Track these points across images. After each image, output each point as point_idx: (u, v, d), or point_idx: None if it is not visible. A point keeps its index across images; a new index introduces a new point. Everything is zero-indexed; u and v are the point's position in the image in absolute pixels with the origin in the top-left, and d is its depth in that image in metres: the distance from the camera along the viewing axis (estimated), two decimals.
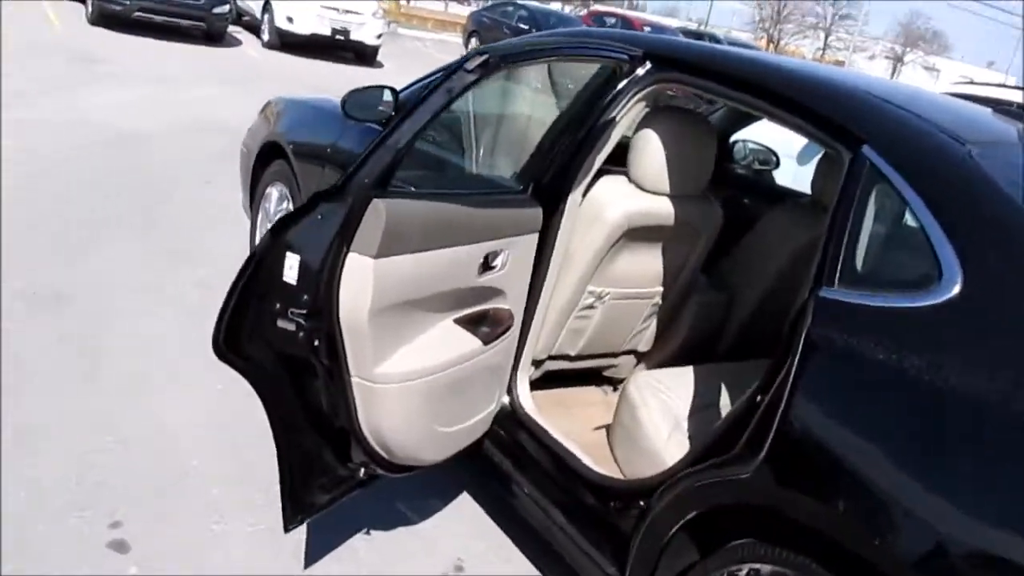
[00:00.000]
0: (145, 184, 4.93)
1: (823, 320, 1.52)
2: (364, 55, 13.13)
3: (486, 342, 1.99)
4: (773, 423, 1.51)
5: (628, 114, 2.17)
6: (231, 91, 8.33)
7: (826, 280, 1.55)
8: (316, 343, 1.65)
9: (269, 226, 1.70)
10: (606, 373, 2.87)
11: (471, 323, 1.97)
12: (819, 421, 1.51)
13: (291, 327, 1.63)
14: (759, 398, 1.57)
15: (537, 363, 2.54)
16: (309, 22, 12.30)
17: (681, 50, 2.20)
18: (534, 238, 2.13)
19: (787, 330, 1.56)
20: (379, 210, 1.62)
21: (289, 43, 12.38)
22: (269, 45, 12.64)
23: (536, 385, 2.66)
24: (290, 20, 12.24)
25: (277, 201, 3.50)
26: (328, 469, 1.89)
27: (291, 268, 1.62)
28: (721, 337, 2.75)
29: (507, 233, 2.01)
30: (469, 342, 1.96)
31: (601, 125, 2.15)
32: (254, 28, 13.50)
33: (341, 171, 3.10)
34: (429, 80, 1.73)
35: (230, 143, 4.90)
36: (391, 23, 17.62)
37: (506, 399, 2.33)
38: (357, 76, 10.86)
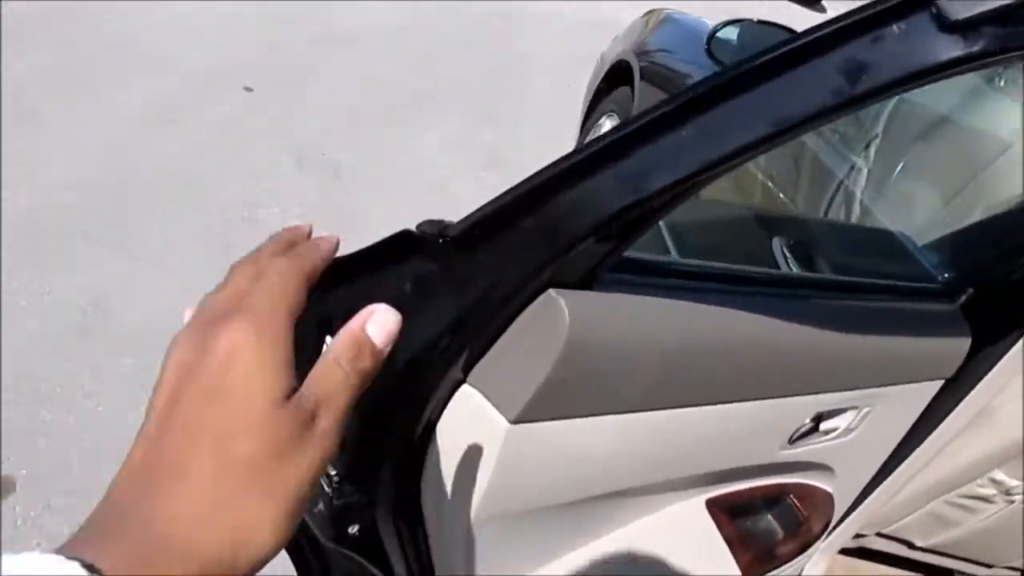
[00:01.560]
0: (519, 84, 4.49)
1: None
2: None
3: (754, 569, 1.06)
4: None
5: None
6: None
7: None
8: (351, 530, 0.72)
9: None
10: None
11: (733, 511, 1.04)
12: None
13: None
14: None
15: (857, 535, 1.56)
16: None
17: None
18: (935, 387, 1.10)
19: None
20: (557, 312, 0.63)
21: None
22: None
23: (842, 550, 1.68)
24: None
25: None
26: None
27: None
28: None
29: (879, 379, 1.01)
30: (715, 557, 1.04)
31: None
32: None
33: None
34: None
35: None
36: None
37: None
38: None
